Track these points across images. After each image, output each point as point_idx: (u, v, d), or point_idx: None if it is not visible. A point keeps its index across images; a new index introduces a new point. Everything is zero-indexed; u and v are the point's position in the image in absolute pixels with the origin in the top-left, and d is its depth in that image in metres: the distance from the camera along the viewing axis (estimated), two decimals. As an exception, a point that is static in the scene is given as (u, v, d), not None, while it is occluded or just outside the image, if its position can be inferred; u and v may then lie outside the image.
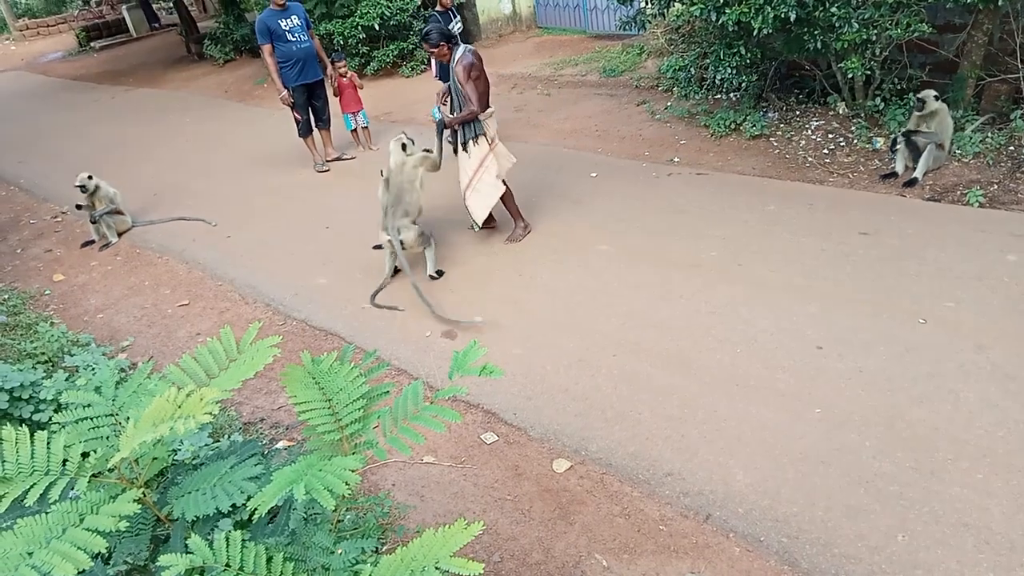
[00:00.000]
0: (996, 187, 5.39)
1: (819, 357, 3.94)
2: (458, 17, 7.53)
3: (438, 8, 7.43)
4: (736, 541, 3.00)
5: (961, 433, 3.31)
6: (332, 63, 8.06)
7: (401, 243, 5.15)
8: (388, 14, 10.80)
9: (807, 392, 3.71)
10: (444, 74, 6.66)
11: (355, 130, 8.37)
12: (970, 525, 2.87)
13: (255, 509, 1.68)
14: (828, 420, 3.51)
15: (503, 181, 5.44)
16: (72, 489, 1.80)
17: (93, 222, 6.94)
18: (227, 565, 1.62)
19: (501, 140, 5.46)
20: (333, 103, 8.25)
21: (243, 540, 1.68)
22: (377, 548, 2.94)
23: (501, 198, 5.47)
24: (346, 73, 8.12)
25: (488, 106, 5.24)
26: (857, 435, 3.39)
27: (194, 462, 3.11)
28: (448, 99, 5.41)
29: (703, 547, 2.99)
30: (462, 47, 5.12)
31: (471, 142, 5.27)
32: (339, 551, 1.90)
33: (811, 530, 2.97)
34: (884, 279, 4.52)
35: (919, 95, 5.70)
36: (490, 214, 5.68)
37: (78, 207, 6.95)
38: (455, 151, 5.46)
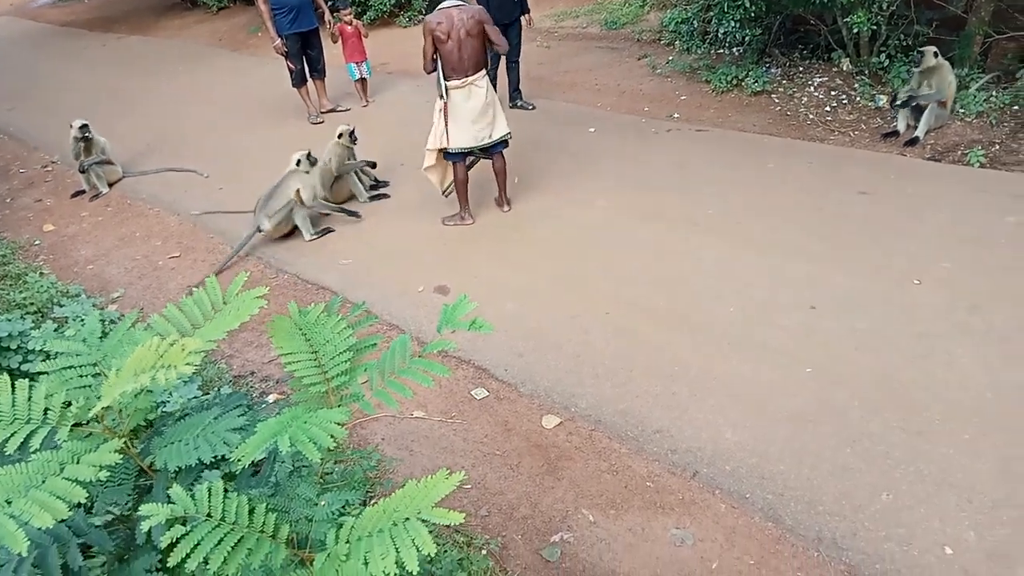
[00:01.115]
0: (998, 147, 5.32)
1: (813, 316, 3.93)
2: None
3: None
4: (722, 498, 3.02)
5: (952, 394, 3.31)
6: (336, 10, 7.84)
7: (259, 229, 5.48)
8: (385, -39, 10.54)
9: (799, 351, 3.70)
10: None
11: (359, 80, 8.18)
12: (954, 484, 2.89)
13: (238, 460, 1.67)
14: (819, 379, 3.51)
15: (455, 159, 5.19)
16: (54, 438, 1.78)
17: (82, 171, 6.83)
18: (208, 515, 1.61)
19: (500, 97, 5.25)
20: (329, 52, 8.08)
21: (225, 491, 1.67)
22: (365, 501, 2.96)
23: (455, 178, 5.28)
24: (351, 21, 7.90)
25: (457, 76, 4.91)
26: (847, 395, 3.40)
27: (182, 413, 3.11)
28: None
29: (689, 503, 3.02)
30: (451, 3, 4.81)
31: (438, 99, 5.07)
32: (323, 503, 1.89)
33: (796, 488, 2.99)
34: (881, 239, 4.48)
35: (919, 49, 5.59)
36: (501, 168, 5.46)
37: (83, 152, 6.75)
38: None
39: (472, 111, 5.03)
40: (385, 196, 6.04)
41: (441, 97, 5.01)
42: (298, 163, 5.49)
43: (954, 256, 4.21)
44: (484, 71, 5.04)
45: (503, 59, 6.94)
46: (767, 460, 3.14)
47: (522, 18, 7.01)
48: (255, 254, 5.50)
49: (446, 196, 5.55)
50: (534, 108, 7.40)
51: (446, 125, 5.04)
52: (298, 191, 5.42)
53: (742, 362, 3.70)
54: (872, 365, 3.54)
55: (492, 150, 5.26)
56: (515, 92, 7.39)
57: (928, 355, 3.55)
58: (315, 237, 5.54)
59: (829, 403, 3.37)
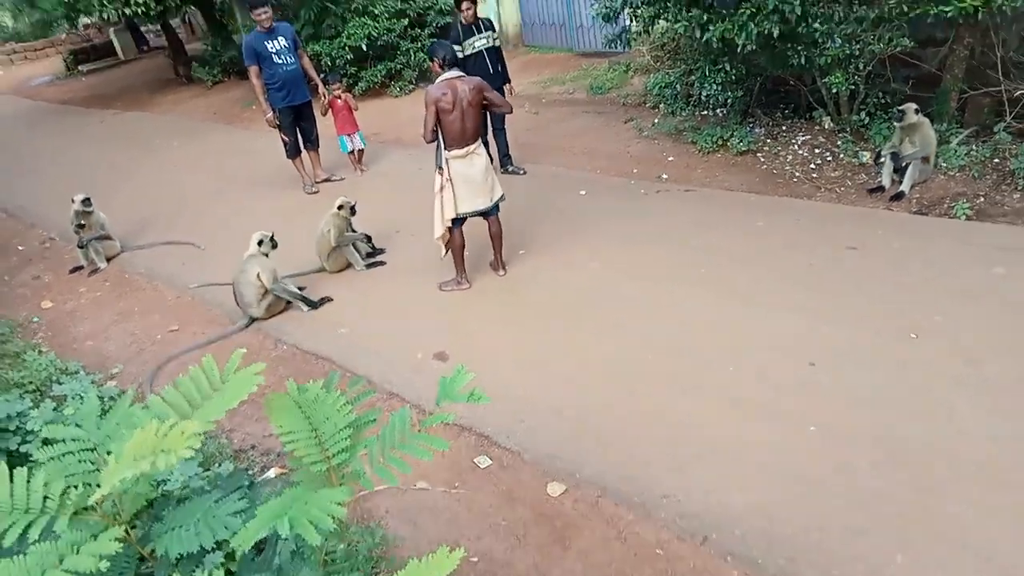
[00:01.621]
0: (983, 200, 5.42)
1: (812, 373, 3.93)
2: (488, 32, 6.89)
3: (461, 21, 6.83)
4: (734, 564, 2.96)
5: (956, 449, 3.29)
6: (325, 83, 8.02)
7: (252, 319, 5.52)
8: (375, 34, 10.84)
9: (801, 409, 3.69)
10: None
11: (352, 152, 8.33)
12: (969, 545, 2.85)
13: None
14: (823, 438, 3.49)
15: (454, 224, 5.23)
16: (53, 528, 1.75)
17: (81, 247, 6.88)
18: (211, 605, 1.58)
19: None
20: (323, 123, 8.24)
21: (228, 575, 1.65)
22: (368, 579, 2.90)
23: (451, 241, 5.29)
24: (340, 95, 8.07)
25: (457, 145, 4.99)
26: (852, 453, 3.37)
27: (183, 492, 3.06)
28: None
29: (701, 571, 2.96)
30: (449, 74, 4.94)
31: (437, 169, 5.14)
32: (327, 587, 1.86)
33: (809, 551, 2.94)
34: (874, 293, 4.52)
35: (900, 108, 5.75)
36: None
37: (79, 227, 6.81)
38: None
39: (474, 178, 5.12)
40: (381, 263, 6.07)
41: (440, 168, 5.08)
42: (259, 243, 5.46)
43: (946, 309, 4.24)
44: (481, 139, 5.16)
45: (490, 127, 7.11)
46: (777, 523, 3.09)
47: (504, 87, 7.20)
48: (254, 325, 5.49)
49: (443, 259, 5.57)
50: (525, 173, 7.53)
51: (454, 194, 5.11)
52: (258, 274, 5.38)
53: (744, 422, 3.68)
54: (875, 421, 3.53)
55: (488, 214, 5.33)
56: (505, 158, 7.54)
57: (930, 410, 3.54)
58: (315, 307, 5.54)
59: (836, 462, 3.34)
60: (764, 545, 3.00)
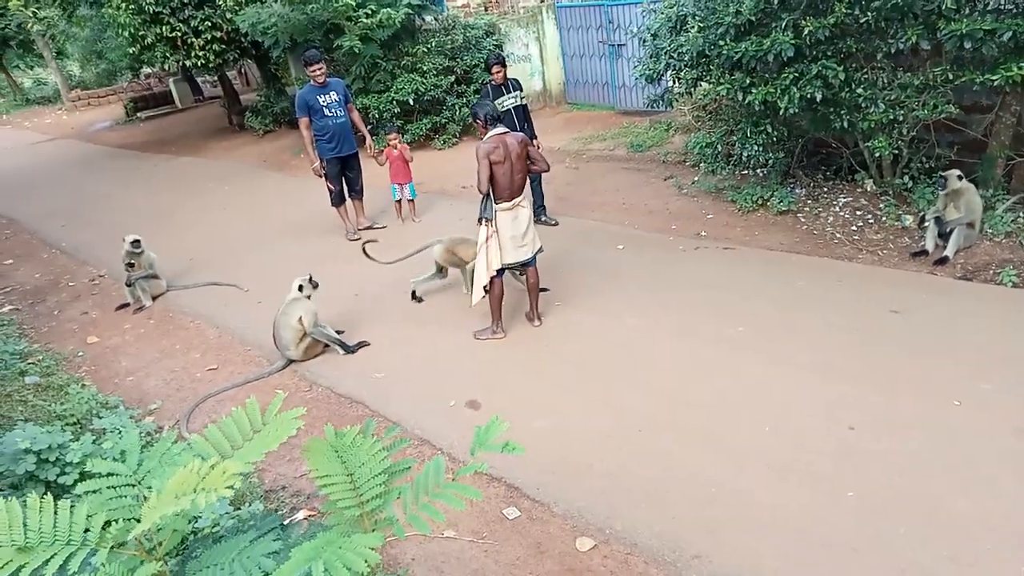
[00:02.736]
0: (1030, 267, 5.32)
1: (851, 438, 3.85)
2: (516, 92, 7.27)
3: (492, 82, 7.26)
4: (766, 632, 2.87)
5: (1000, 522, 3.18)
6: (375, 134, 8.17)
7: (290, 361, 5.61)
8: (422, 90, 11.17)
9: (839, 475, 3.61)
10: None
11: (399, 201, 8.52)
12: (1014, 623, 2.73)
13: (273, 587, 1.66)
14: (861, 505, 3.40)
15: (498, 279, 5.32)
16: (92, 559, 1.79)
17: (128, 285, 7.10)
18: (241, 645, 1.60)
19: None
20: (369, 172, 8.45)
21: (259, 618, 1.66)
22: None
23: (490, 290, 5.34)
24: (396, 145, 8.30)
25: (507, 199, 5.14)
26: (891, 522, 3.28)
27: (214, 531, 3.09)
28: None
29: (731, 637, 2.88)
30: (498, 130, 5.11)
31: (481, 222, 5.24)
32: (355, 633, 1.85)
33: (845, 623, 2.85)
34: (917, 359, 4.43)
35: (942, 174, 5.71)
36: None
37: (129, 266, 7.05)
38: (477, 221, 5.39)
39: (518, 230, 5.25)
40: (365, 344, 5.73)
41: (489, 220, 5.18)
42: (300, 288, 5.57)
43: (993, 377, 4.14)
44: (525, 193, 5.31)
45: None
46: (811, 592, 3.00)
47: (533, 142, 7.39)
48: (291, 367, 5.58)
49: (471, 307, 5.62)
50: (557, 224, 7.71)
51: (499, 245, 5.21)
52: (300, 319, 5.47)
53: (780, 485, 3.61)
54: (916, 491, 3.43)
55: (527, 264, 5.42)
56: (539, 208, 7.72)
57: (974, 481, 3.44)
58: (352, 352, 5.61)
59: (873, 530, 3.25)
60: (799, 615, 2.91)
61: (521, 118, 7.33)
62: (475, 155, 5.07)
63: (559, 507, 3.72)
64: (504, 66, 7.25)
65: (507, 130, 5.18)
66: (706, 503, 3.57)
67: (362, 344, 5.70)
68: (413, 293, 6.32)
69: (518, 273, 5.86)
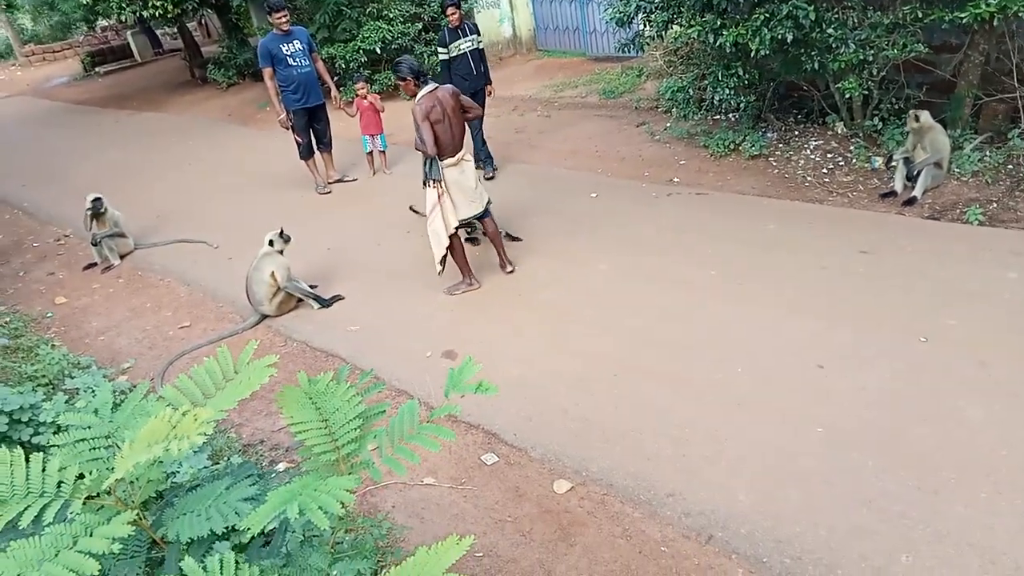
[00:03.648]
0: (995, 205, 5.39)
1: (820, 376, 3.93)
2: (473, 35, 7.26)
3: (448, 24, 7.22)
4: (739, 562, 2.96)
5: (964, 452, 3.29)
6: (347, 86, 8.02)
7: (263, 317, 5.57)
8: (389, 38, 10.91)
9: (809, 411, 3.69)
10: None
11: (371, 152, 8.39)
12: (975, 545, 2.84)
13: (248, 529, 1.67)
14: (830, 439, 3.49)
15: (455, 234, 5.24)
16: (67, 511, 1.79)
17: (95, 244, 6.96)
18: (221, 587, 1.61)
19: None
20: (339, 124, 8.29)
21: (237, 562, 1.67)
22: (376, 571, 2.91)
23: (451, 247, 5.27)
24: (366, 95, 8.13)
25: (450, 154, 5.05)
26: (859, 454, 3.37)
27: (192, 483, 3.10)
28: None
29: (705, 568, 2.96)
30: (429, 87, 4.97)
31: (428, 183, 5.11)
32: (334, 573, 1.88)
33: (814, 551, 2.94)
34: (885, 297, 4.51)
35: (913, 112, 5.74)
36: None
37: (93, 220, 6.90)
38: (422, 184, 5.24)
39: (467, 184, 5.19)
40: (340, 297, 5.70)
41: (437, 181, 5.04)
42: (271, 243, 5.50)
43: (959, 313, 4.23)
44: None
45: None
46: (783, 522, 3.09)
47: (485, 88, 7.57)
48: (265, 322, 5.54)
49: (440, 275, 5.48)
50: (495, 172, 7.78)
51: (452, 202, 5.13)
52: (272, 273, 5.42)
53: (752, 422, 3.69)
54: (883, 424, 3.53)
55: (482, 216, 5.40)
56: (484, 158, 7.78)
57: (939, 413, 3.54)
58: (327, 306, 5.58)
59: (842, 463, 3.34)
60: (770, 544, 3.00)
61: (477, 61, 7.35)
62: (412, 117, 4.91)
63: (536, 451, 3.78)
64: (459, 8, 7.18)
65: (436, 85, 5.04)
66: (679, 443, 3.64)
67: (336, 298, 5.67)
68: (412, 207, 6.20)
69: (471, 231, 5.90)
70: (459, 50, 7.20)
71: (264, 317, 5.54)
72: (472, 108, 5.23)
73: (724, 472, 3.42)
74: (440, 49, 7.32)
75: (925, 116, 5.68)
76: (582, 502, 3.41)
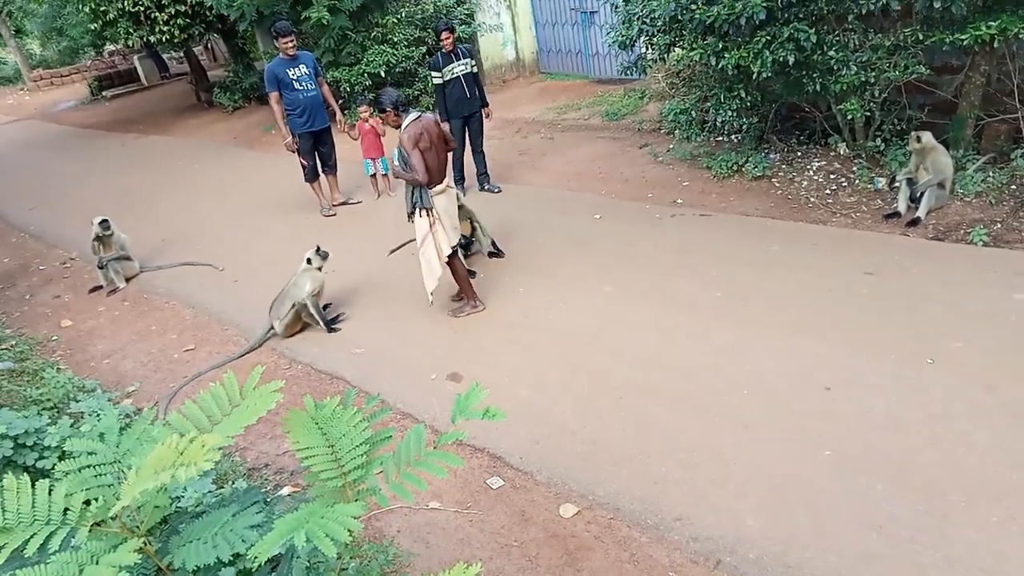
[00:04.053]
0: (1000, 226, 5.40)
1: (827, 398, 3.91)
2: (467, 59, 7.41)
3: (442, 49, 7.42)
4: (747, 588, 2.94)
5: (973, 475, 3.26)
6: (351, 109, 8.11)
7: (272, 328, 5.59)
8: (394, 61, 11.02)
9: (816, 434, 3.67)
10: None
11: (373, 175, 8.44)
12: (986, 571, 2.81)
13: (255, 558, 1.66)
14: (838, 462, 3.47)
15: (451, 256, 5.25)
16: (73, 538, 1.78)
17: (101, 267, 6.99)
18: (227, 617, 1.60)
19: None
20: (344, 147, 8.34)
21: (244, 590, 1.66)
22: (381, 597, 2.90)
23: (453, 272, 5.32)
24: (368, 119, 8.20)
25: (439, 182, 5.08)
26: (867, 478, 3.34)
27: (197, 509, 3.08)
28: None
29: (713, 594, 2.94)
30: (413, 115, 4.98)
31: (417, 213, 5.10)
32: (341, 601, 1.86)
33: (823, 576, 2.91)
34: (890, 318, 4.50)
35: (915, 134, 5.76)
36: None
37: (97, 243, 6.95)
38: (408, 216, 5.25)
39: (453, 211, 5.27)
40: (337, 330, 5.65)
41: (427, 210, 5.04)
42: (309, 260, 5.54)
43: (965, 335, 4.22)
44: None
45: (468, 148, 7.77)
46: (792, 547, 3.07)
47: (482, 111, 7.71)
48: (269, 344, 5.55)
49: (431, 305, 5.49)
50: (500, 191, 7.94)
51: (444, 230, 5.13)
52: (304, 287, 5.48)
53: (759, 446, 3.67)
54: (891, 447, 3.50)
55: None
56: (483, 176, 7.99)
57: (947, 436, 3.51)
58: (335, 329, 5.60)
59: (850, 486, 3.32)
60: (779, 569, 2.97)
61: (471, 84, 7.48)
62: (403, 146, 4.90)
63: (542, 475, 3.76)
64: (453, 32, 7.41)
65: (420, 113, 5.05)
66: (686, 466, 3.62)
67: (340, 316, 5.69)
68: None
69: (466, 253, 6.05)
70: (452, 74, 7.36)
71: (271, 329, 5.57)
72: (450, 140, 5.31)
73: (731, 496, 3.40)
74: (434, 73, 7.46)
75: (927, 137, 5.71)
76: (589, 526, 3.39)
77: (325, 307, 5.74)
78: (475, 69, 7.54)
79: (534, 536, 3.38)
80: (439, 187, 5.09)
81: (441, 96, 7.49)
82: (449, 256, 5.21)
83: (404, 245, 6.63)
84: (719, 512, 3.32)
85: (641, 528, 3.32)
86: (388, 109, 5.01)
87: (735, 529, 3.21)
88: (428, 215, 5.06)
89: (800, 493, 3.34)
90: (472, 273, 5.97)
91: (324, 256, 5.63)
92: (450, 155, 5.61)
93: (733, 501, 3.36)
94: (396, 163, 5.12)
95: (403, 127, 4.95)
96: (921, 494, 3.21)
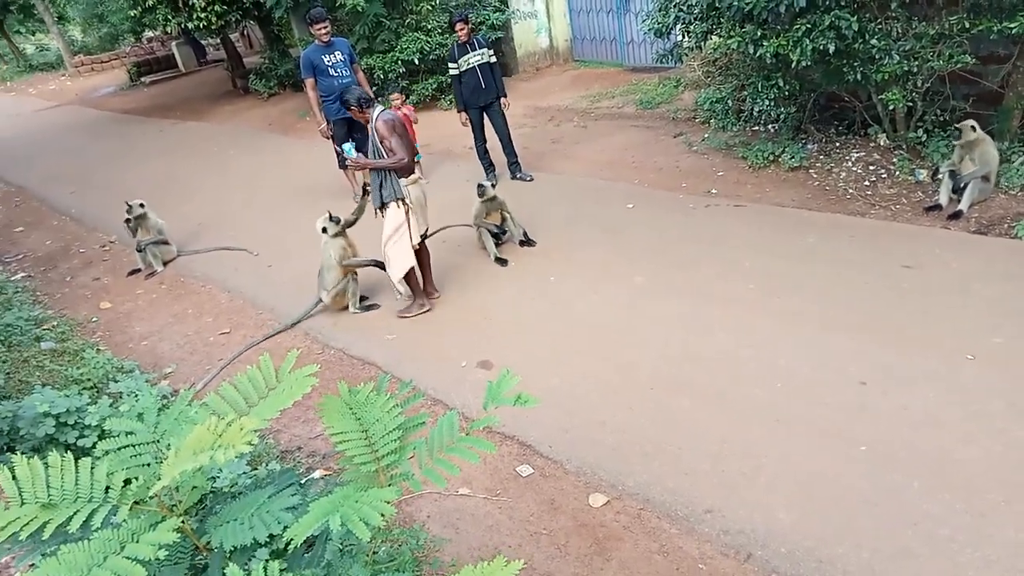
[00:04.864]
0: (1046, 220, 5.25)
1: (862, 393, 3.85)
2: (482, 50, 7.42)
3: (457, 40, 7.43)
4: (778, 582, 2.91)
5: (1012, 474, 3.19)
6: (384, 96, 8.15)
7: (321, 300, 5.76)
8: (428, 49, 11.01)
9: (851, 429, 3.62)
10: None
11: None
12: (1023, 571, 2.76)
13: (291, 539, 1.68)
14: (873, 459, 3.42)
15: (421, 246, 5.38)
16: (114, 516, 1.82)
17: (139, 251, 7.13)
18: (264, 596, 1.62)
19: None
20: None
21: (280, 571, 1.68)
22: (411, 581, 2.92)
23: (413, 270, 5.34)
24: (400, 106, 8.23)
25: (409, 171, 5.18)
26: (903, 474, 3.29)
27: (232, 490, 3.14)
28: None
29: (743, 588, 2.92)
30: (379, 108, 5.07)
31: (391, 204, 5.13)
32: (374, 584, 1.89)
33: (857, 573, 2.88)
34: (929, 313, 4.41)
35: (958, 125, 5.61)
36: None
37: (128, 223, 7.10)
38: (375, 211, 5.31)
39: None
40: (375, 306, 5.79)
41: (400, 200, 5.11)
42: (324, 230, 5.63)
43: (1006, 331, 4.12)
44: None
45: (495, 135, 7.78)
46: (824, 543, 3.03)
47: (500, 100, 7.67)
48: (303, 328, 5.62)
49: (403, 296, 5.59)
50: (532, 179, 7.91)
51: (411, 222, 5.19)
52: (332, 255, 5.61)
53: (792, 440, 3.63)
54: (928, 444, 3.44)
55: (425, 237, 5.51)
56: (514, 165, 8.01)
57: (986, 434, 3.44)
58: (358, 311, 5.67)
59: (886, 483, 3.27)
60: (811, 564, 2.95)
61: (487, 75, 7.47)
62: (379, 133, 4.98)
63: (572, 464, 3.76)
64: (467, 23, 7.41)
65: (384, 108, 5.14)
66: (717, 458, 3.60)
67: (373, 306, 5.74)
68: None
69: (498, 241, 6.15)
70: (468, 64, 7.39)
71: (319, 302, 5.73)
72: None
73: (763, 489, 3.37)
74: (450, 64, 7.51)
75: (969, 128, 5.56)
76: (618, 516, 3.38)
77: (362, 299, 5.80)
78: (492, 59, 7.54)
79: (563, 525, 3.39)
80: (412, 176, 5.20)
81: (457, 86, 7.55)
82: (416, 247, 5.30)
83: (437, 231, 6.66)
84: (750, 505, 3.29)
85: (671, 519, 3.31)
86: (353, 106, 5.11)
87: (766, 523, 3.19)
88: (400, 206, 5.13)
89: (833, 488, 3.30)
90: (504, 262, 5.98)
91: (337, 221, 5.66)
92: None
93: (764, 495, 3.33)
94: (355, 157, 5.22)
95: (375, 117, 5.02)
96: (959, 492, 3.15)
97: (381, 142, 4.99)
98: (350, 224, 5.75)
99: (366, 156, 5.20)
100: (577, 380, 4.41)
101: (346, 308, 5.75)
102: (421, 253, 5.48)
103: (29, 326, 5.97)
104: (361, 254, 5.76)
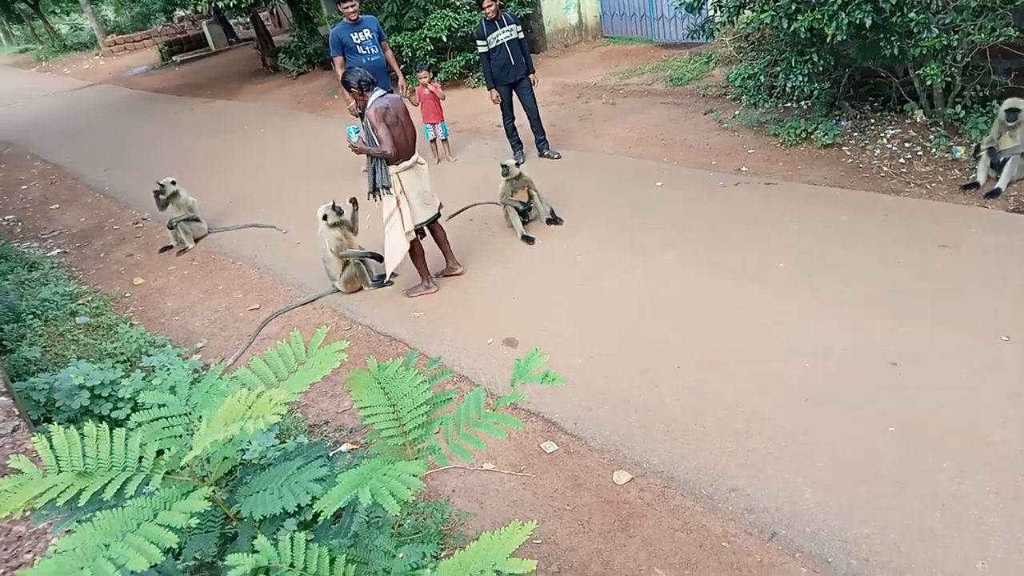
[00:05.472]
0: (1088, 198, 5.11)
1: (894, 373, 3.80)
2: (511, 26, 7.36)
3: (485, 16, 7.36)
4: (803, 561, 2.90)
5: (1048, 457, 3.14)
6: (412, 74, 8.12)
7: (337, 290, 5.82)
8: (456, 26, 10.96)
9: (881, 409, 3.57)
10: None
11: (433, 140, 8.47)
12: (1057, 555, 2.72)
13: (319, 511, 1.71)
14: (902, 439, 3.38)
15: (419, 233, 5.31)
16: (147, 485, 1.87)
17: (171, 227, 7.23)
18: (291, 565, 1.65)
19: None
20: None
21: (307, 541, 1.71)
22: (436, 554, 2.96)
23: (411, 251, 5.30)
24: (427, 84, 8.21)
25: (407, 157, 5.07)
26: (933, 455, 3.25)
27: (261, 462, 3.20)
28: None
29: (768, 566, 2.91)
30: (379, 92, 4.96)
31: (381, 191, 5.11)
32: (401, 555, 1.91)
33: (883, 553, 2.86)
34: (965, 293, 4.33)
35: (1007, 106, 5.42)
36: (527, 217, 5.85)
37: (163, 206, 7.21)
38: (367, 195, 5.25)
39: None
40: (390, 283, 5.79)
41: (387, 188, 5.06)
42: (324, 217, 5.61)
43: (1045, 311, 4.03)
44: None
45: (523, 113, 7.72)
46: (850, 523, 3.01)
47: (529, 77, 7.61)
48: (331, 305, 5.67)
49: (392, 282, 5.68)
50: (560, 157, 7.85)
51: (410, 206, 5.14)
52: (327, 245, 5.62)
53: (820, 419, 3.59)
54: (959, 425, 3.39)
55: (433, 220, 5.44)
56: (541, 142, 7.93)
57: (1019, 415, 3.38)
58: (372, 287, 5.78)
59: (915, 464, 3.23)
60: (836, 544, 2.93)
61: (516, 51, 7.40)
62: (369, 121, 4.90)
63: (596, 441, 3.77)
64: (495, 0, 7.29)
65: (384, 92, 5.03)
66: (744, 437, 3.58)
67: (390, 280, 5.75)
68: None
69: (525, 220, 6.09)
70: (497, 41, 7.32)
71: (336, 290, 5.79)
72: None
73: (790, 469, 3.35)
74: (479, 42, 7.43)
75: (1020, 106, 5.38)
76: (642, 493, 3.39)
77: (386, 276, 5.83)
78: (521, 35, 7.46)
79: (587, 501, 3.40)
80: (407, 163, 5.10)
81: (486, 64, 7.48)
82: (418, 232, 5.27)
83: (463, 210, 6.68)
84: (776, 484, 3.28)
85: (695, 497, 3.31)
86: (354, 88, 5.03)
87: (792, 502, 3.17)
88: (389, 193, 5.10)
89: (861, 468, 3.27)
90: (530, 240, 5.97)
91: (339, 212, 5.67)
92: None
93: (791, 474, 3.32)
94: (355, 141, 5.19)
95: (369, 104, 4.96)
96: (990, 474, 3.10)
97: (373, 130, 4.92)
98: (350, 227, 5.75)
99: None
100: (603, 358, 4.40)
101: (361, 290, 5.78)
102: (435, 232, 5.50)
103: (65, 301, 6.10)
104: (355, 245, 5.77)
